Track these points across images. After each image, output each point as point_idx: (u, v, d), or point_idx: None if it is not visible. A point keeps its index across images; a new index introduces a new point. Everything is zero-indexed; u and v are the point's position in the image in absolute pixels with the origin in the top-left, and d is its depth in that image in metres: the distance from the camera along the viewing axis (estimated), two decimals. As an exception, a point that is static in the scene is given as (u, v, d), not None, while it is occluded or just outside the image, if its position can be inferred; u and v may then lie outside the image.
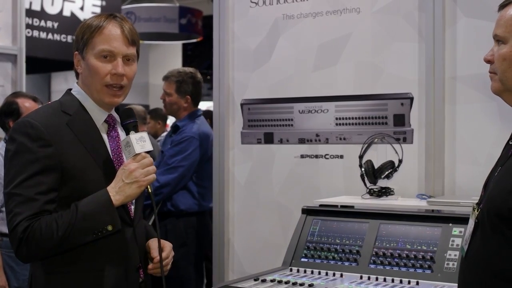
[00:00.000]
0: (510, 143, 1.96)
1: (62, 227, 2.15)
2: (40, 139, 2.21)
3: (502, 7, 1.96)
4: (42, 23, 8.37)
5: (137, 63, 2.41)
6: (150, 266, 2.41)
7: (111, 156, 2.35)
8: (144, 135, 2.30)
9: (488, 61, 1.98)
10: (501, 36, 1.92)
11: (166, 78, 4.81)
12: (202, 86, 4.85)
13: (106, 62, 2.30)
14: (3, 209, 4.25)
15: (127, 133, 2.30)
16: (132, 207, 2.39)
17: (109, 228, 2.21)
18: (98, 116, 2.37)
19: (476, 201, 1.99)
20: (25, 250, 2.17)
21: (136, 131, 2.31)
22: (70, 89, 2.42)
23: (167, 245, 2.47)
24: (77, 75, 2.41)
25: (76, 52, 2.37)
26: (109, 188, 2.22)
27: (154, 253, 2.41)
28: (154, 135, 7.88)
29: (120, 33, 2.32)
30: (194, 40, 11.75)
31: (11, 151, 2.23)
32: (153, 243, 2.45)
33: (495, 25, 1.95)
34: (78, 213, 2.17)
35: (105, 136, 2.37)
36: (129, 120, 2.32)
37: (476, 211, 1.94)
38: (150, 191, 2.30)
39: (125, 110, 2.39)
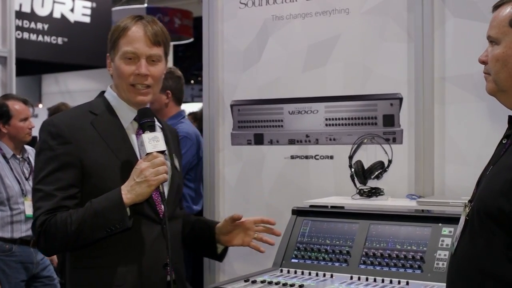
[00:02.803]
0: (503, 142, 1.97)
1: (75, 223, 2.24)
2: (59, 137, 2.31)
3: (495, 8, 1.97)
4: (32, 25, 8.35)
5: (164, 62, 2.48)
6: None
7: (138, 155, 2.39)
8: (158, 135, 2.34)
9: (482, 62, 1.99)
10: (494, 37, 1.93)
11: None
12: (183, 83, 4.69)
13: (130, 64, 2.40)
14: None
15: (143, 132, 2.35)
16: (162, 205, 2.39)
17: (118, 226, 2.27)
18: (127, 115, 2.45)
19: (467, 200, 2.00)
20: (43, 242, 2.30)
21: (152, 130, 2.35)
22: (104, 91, 2.51)
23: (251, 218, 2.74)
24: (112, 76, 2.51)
25: (108, 54, 2.48)
26: (122, 186, 2.28)
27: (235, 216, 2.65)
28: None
29: (143, 34, 2.40)
30: (183, 42, 11.61)
31: (37, 149, 2.38)
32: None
33: (489, 26, 1.96)
34: (90, 209, 2.26)
35: (133, 135, 2.44)
36: (145, 119, 2.38)
37: (467, 208, 1.95)
38: (162, 191, 2.33)
39: (142, 109, 2.44)
